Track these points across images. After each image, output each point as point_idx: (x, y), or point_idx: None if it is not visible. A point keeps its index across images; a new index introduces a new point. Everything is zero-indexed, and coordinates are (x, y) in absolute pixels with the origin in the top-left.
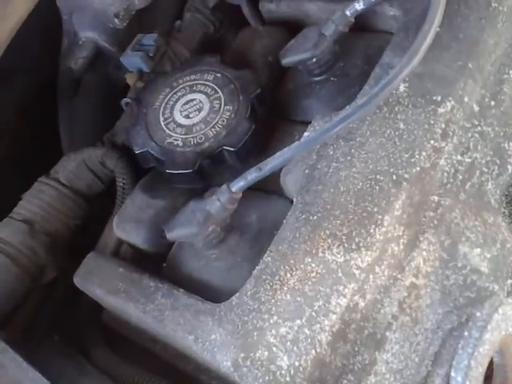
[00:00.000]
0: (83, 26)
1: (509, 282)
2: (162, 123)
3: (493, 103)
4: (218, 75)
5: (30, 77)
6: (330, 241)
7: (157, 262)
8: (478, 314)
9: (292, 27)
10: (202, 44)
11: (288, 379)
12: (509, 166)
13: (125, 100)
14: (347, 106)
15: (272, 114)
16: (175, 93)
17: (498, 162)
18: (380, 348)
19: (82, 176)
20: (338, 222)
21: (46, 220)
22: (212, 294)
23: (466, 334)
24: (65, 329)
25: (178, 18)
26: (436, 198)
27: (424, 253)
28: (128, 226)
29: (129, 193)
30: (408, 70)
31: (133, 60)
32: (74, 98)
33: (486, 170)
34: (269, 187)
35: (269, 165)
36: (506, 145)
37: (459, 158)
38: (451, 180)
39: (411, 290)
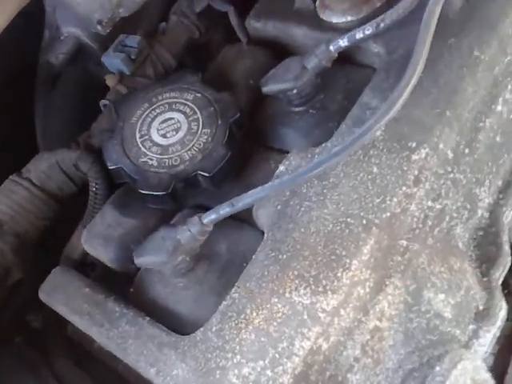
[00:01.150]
0: (66, 21)
1: (470, 327)
2: (138, 140)
3: (467, 151)
4: (199, 95)
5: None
6: (297, 282)
7: (125, 277)
8: (438, 368)
9: (277, 48)
10: (187, 48)
11: None
12: (479, 210)
13: (103, 102)
14: (324, 148)
15: (249, 138)
16: (154, 109)
17: (468, 206)
18: None
19: (54, 177)
20: (307, 263)
21: (15, 221)
22: (177, 323)
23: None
24: (28, 331)
25: (163, 20)
26: (404, 243)
27: (389, 296)
28: (96, 242)
29: (101, 197)
30: (384, 121)
31: (114, 61)
32: (52, 91)
33: (455, 215)
34: (242, 214)
35: (241, 202)
36: (478, 190)
37: (430, 203)
38: (420, 225)
39: (374, 332)
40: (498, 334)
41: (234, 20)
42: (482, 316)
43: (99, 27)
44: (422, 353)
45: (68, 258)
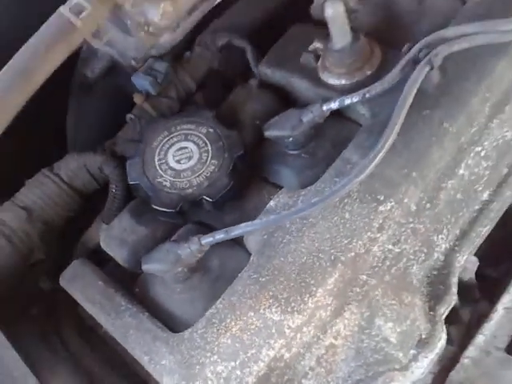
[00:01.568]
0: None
1: (411, 352)
2: (156, 163)
3: (428, 205)
4: (211, 130)
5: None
6: (271, 301)
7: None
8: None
9: (282, 94)
10: (206, 76)
11: None
12: (435, 254)
13: (129, 115)
14: (308, 191)
15: (250, 169)
16: (172, 137)
17: (425, 250)
18: None
19: (80, 176)
20: (281, 286)
21: (43, 210)
22: (171, 321)
23: None
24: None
25: (188, 49)
26: (364, 278)
27: (346, 320)
28: (113, 243)
29: (119, 198)
30: (358, 180)
31: (142, 82)
32: (85, 100)
33: (412, 257)
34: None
35: (234, 231)
36: (435, 237)
37: (390, 247)
38: (380, 264)
39: (329, 348)
40: (435, 359)
41: (250, 57)
42: (423, 344)
43: (133, 62)
44: (368, 368)
45: (84, 246)
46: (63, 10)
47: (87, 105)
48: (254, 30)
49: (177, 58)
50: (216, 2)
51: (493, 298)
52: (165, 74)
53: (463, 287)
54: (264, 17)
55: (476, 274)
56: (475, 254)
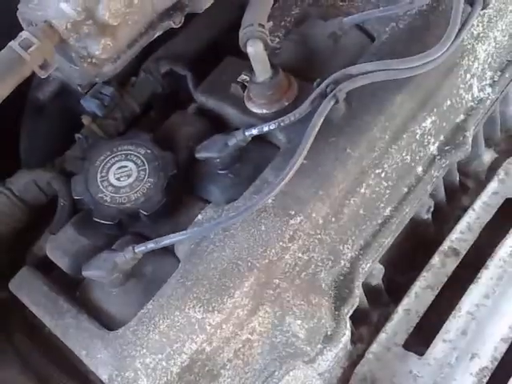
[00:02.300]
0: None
1: (318, 346)
2: (98, 180)
3: (333, 219)
4: (148, 151)
5: None
6: (195, 302)
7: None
8: (276, 373)
9: (215, 119)
10: (150, 100)
11: None
12: (342, 261)
13: (77, 135)
14: (231, 206)
15: (183, 187)
16: (113, 157)
17: (332, 258)
18: (215, 380)
19: (31, 190)
20: (204, 289)
21: None
22: (108, 321)
23: None
24: None
25: (133, 74)
26: (277, 281)
27: (260, 318)
28: (57, 252)
29: (67, 211)
30: (267, 199)
31: (90, 105)
32: (37, 121)
33: (320, 264)
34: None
35: (163, 241)
36: (341, 247)
37: (300, 255)
38: (291, 270)
39: (246, 343)
40: (341, 354)
41: (190, 84)
42: (329, 339)
43: (79, 88)
44: (282, 360)
45: (34, 255)
46: (13, 44)
47: (39, 125)
48: (195, 57)
49: (123, 82)
50: (155, 36)
51: (400, 301)
52: (111, 97)
53: (372, 291)
54: (203, 46)
55: (386, 279)
56: (386, 262)
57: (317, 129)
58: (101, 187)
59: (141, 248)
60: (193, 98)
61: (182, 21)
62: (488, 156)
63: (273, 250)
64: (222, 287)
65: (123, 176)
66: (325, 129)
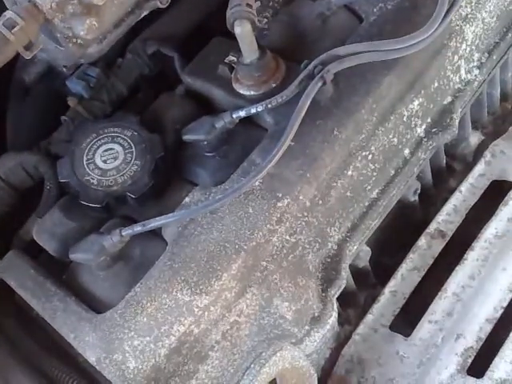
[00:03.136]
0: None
1: (306, 327)
2: (85, 162)
3: (321, 202)
4: (135, 133)
5: None
6: (182, 284)
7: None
8: (263, 354)
9: (202, 100)
10: (137, 81)
11: (131, 376)
12: (329, 243)
13: (63, 117)
14: (219, 189)
15: (171, 169)
16: (99, 139)
17: (319, 240)
18: (203, 362)
19: (17, 173)
20: (191, 272)
21: None
22: (96, 304)
23: (251, 366)
24: None
25: (120, 55)
26: (264, 264)
27: (248, 300)
28: (44, 236)
29: (53, 194)
30: (254, 181)
31: (76, 86)
32: (22, 103)
33: (307, 246)
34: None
35: (150, 224)
36: (328, 229)
37: (287, 237)
38: (278, 252)
39: (234, 324)
40: (329, 336)
41: (177, 65)
42: (316, 321)
43: (64, 69)
44: (269, 342)
45: (21, 239)
46: None
47: (25, 107)
48: (183, 38)
49: (109, 64)
50: (142, 16)
51: (386, 283)
52: (97, 78)
53: (359, 273)
54: (191, 26)
55: (374, 262)
56: (373, 244)
57: (304, 111)
58: (87, 170)
59: (128, 231)
60: (180, 79)
61: (169, 0)
62: (475, 138)
63: (260, 233)
64: (209, 270)
65: (110, 158)
66: (312, 110)
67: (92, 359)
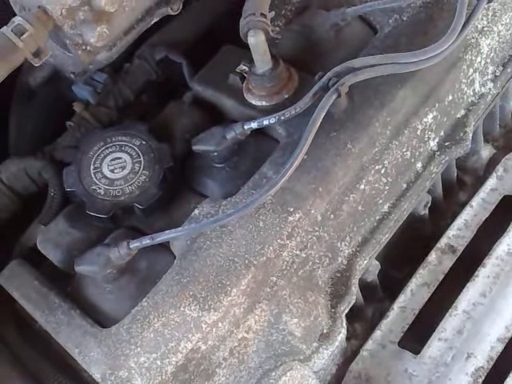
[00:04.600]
0: None
1: (314, 344)
2: (92, 171)
3: (332, 216)
4: (144, 143)
5: None
6: (191, 300)
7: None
8: (273, 373)
9: (212, 109)
10: (144, 87)
11: None
12: (339, 258)
13: (69, 123)
14: (229, 202)
15: (180, 180)
16: (107, 148)
17: (329, 255)
18: (210, 379)
19: (20, 179)
20: (200, 287)
21: None
22: (101, 317)
23: None
24: None
25: (127, 60)
26: (274, 279)
27: (256, 316)
28: (48, 245)
29: (57, 202)
30: (270, 193)
31: (82, 92)
32: (26, 107)
33: (317, 261)
34: None
35: (159, 237)
36: (339, 244)
37: (298, 252)
38: (288, 267)
39: (242, 341)
40: (338, 352)
41: (185, 72)
42: (324, 337)
43: (72, 76)
44: (277, 358)
45: (22, 246)
46: (5, 30)
47: (29, 111)
48: (192, 44)
49: (116, 69)
50: (152, 22)
51: (395, 297)
52: (104, 84)
53: (367, 287)
54: (200, 32)
55: (382, 276)
56: (382, 258)
57: (318, 123)
58: (94, 179)
59: (136, 244)
60: (188, 86)
61: (181, 7)
62: (486, 152)
63: (270, 248)
64: (218, 285)
65: (117, 168)
66: (326, 123)
67: (97, 376)
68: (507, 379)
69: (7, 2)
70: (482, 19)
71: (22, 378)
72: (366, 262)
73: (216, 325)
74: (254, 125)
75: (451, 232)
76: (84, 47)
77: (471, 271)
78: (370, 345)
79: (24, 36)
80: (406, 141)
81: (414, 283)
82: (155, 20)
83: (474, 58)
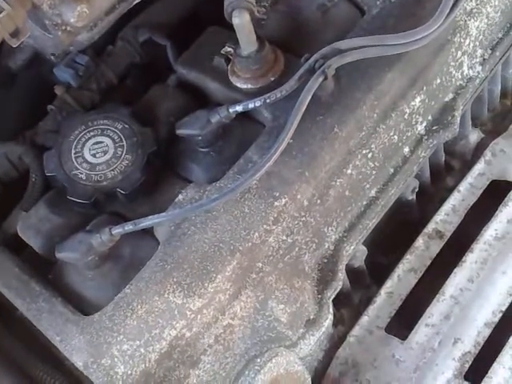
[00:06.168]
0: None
1: (300, 330)
2: (73, 156)
3: (319, 201)
4: (126, 126)
5: None
6: (175, 286)
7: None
8: (259, 360)
9: (196, 92)
10: (127, 70)
11: (120, 382)
12: (326, 244)
13: (50, 106)
14: (213, 186)
15: (164, 164)
16: (88, 131)
17: (316, 241)
18: (195, 366)
19: (1, 164)
20: (184, 273)
21: None
22: (83, 305)
23: (246, 372)
24: None
25: (110, 42)
26: (260, 265)
27: (242, 303)
28: (29, 232)
29: (38, 187)
30: (252, 180)
31: (64, 74)
32: (7, 91)
33: (304, 247)
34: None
35: (142, 223)
36: (326, 229)
37: (284, 238)
38: (274, 253)
39: (227, 328)
40: (323, 338)
41: (170, 54)
42: (311, 323)
43: (52, 57)
44: (263, 344)
45: (4, 232)
46: None
47: (10, 95)
48: (176, 26)
49: (99, 51)
50: (135, 3)
51: (382, 283)
52: (86, 66)
53: (354, 273)
54: (185, 14)
55: (369, 261)
56: (369, 244)
57: (304, 107)
58: (75, 164)
59: (118, 230)
60: (172, 68)
61: None
62: (474, 136)
63: (256, 233)
64: (203, 271)
65: (99, 152)
66: (312, 106)
67: (79, 363)
68: (494, 364)
69: None
70: (471, 1)
71: (3, 366)
72: (352, 247)
73: (201, 311)
74: (239, 108)
75: (439, 217)
76: (64, 27)
77: (459, 256)
78: (356, 330)
79: (1, 15)
80: (394, 125)
81: (401, 269)
82: (138, 0)
83: (462, 41)
